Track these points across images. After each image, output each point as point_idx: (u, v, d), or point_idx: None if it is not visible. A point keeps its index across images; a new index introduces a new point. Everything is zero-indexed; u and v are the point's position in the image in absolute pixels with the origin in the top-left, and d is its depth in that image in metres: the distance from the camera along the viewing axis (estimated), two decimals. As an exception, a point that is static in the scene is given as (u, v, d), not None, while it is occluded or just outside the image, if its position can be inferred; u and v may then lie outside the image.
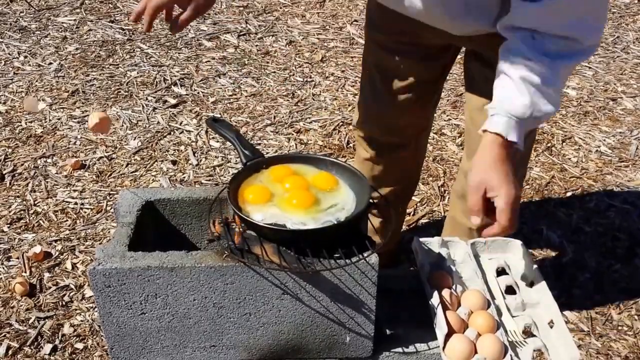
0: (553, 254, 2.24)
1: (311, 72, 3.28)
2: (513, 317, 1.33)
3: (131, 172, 2.56)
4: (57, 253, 2.18)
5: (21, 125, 2.82)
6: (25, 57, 3.33)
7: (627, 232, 2.33)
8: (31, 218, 2.32)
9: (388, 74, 1.64)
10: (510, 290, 1.39)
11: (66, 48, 3.41)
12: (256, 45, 3.50)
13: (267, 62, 3.36)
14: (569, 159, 2.72)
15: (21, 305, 1.99)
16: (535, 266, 1.41)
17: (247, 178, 1.35)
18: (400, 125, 1.75)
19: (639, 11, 3.99)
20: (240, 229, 1.24)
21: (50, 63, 3.27)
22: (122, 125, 2.82)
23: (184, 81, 3.16)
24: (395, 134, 1.77)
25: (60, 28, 3.60)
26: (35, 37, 3.50)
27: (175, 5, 1.32)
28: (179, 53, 3.39)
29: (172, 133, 2.79)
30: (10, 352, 1.85)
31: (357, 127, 1.81)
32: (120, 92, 3.06)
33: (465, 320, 1.29)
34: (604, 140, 2.83)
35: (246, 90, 3.11)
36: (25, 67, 3.24)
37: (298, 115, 2.95)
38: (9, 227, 2.27)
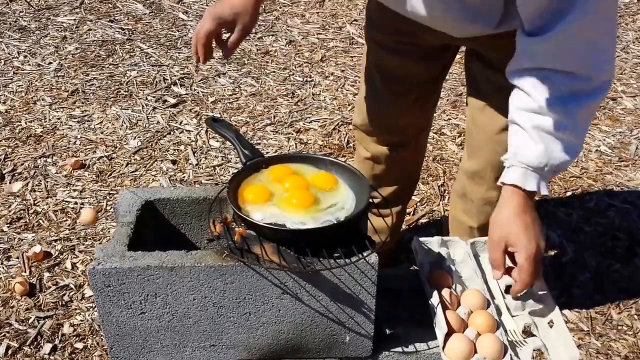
0: (553, 253, 2.24)
1: (311, 72, 3.28)
2: (513, 317, 1.33)
3: (131, 172, 2.56)
4: (57, 253, 2.18)
5: (21, 125, 2.81)
6: (25, 57, 3.32)
7: (627, 232, 2.33)
8: (31, 218, 2.32)
9: (388, 74, 1.64)
10: (510, 290, 1.39)
11: (66, 48, 3.41)
12: (256, 45, 3.50)
13: (267, 62, 3.36)
14: (569, 158, 2.72)
15: (21, 305, 1.99)
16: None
17: (247, 178, 1.35)
18: (400, 125, 1.75)
19: (639, 11, 3.99)
20: (240, 229, 1.24)
21: (50, 63, 3.27)
22: (122, 125, 2.82)
23: (184, 81, 3.16)
24: (395, 134, 1.77)
25: (60, 28, 3.60)
26: (35, 37, 3.50)
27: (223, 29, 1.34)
28: (179, 53, 3.39)
29: (172, 133, 2.79)
30: (10, 352, 1.85)
31: (357, 127, 1.81)
32: (120, 92, 3.06)
33: (465, 320, 1.29)
34: (604, 140, 2.83)
35: (246, 90, 3.11)
36: (25, 67, 3.24)
37: (298, 115, 2.95)
38: (9, 227, 2.27)
